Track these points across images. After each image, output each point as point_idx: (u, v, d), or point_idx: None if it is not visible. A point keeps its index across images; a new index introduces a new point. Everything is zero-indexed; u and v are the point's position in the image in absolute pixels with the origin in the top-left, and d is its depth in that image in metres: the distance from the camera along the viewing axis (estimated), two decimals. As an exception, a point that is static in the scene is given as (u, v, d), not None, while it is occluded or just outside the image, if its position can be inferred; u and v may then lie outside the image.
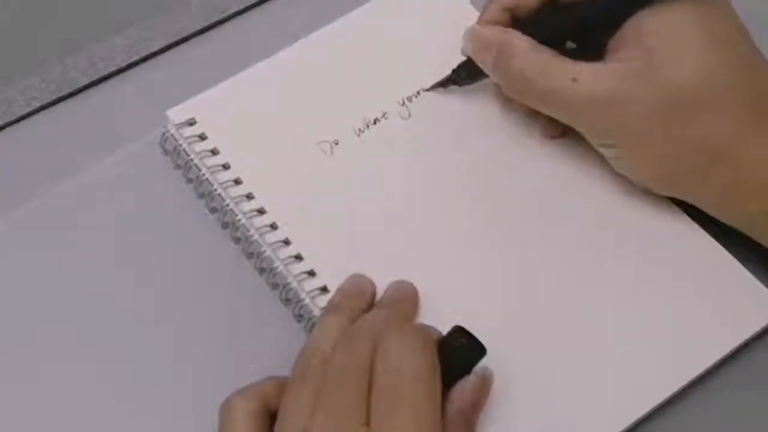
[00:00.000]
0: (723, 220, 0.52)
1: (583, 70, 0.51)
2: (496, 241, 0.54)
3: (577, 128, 0.53)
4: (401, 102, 0.58)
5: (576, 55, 0.53)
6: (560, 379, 0.50)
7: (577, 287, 0.53)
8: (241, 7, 0.63)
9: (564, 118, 0.53)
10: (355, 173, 0.56)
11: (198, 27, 0.62)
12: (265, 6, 0.63)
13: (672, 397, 0.51)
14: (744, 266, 0.53)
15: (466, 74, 0.57)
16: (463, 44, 0.56)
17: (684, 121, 0.50)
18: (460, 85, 0.58)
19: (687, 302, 0.52)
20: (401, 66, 0.59)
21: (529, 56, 0.52)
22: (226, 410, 0.47)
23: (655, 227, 0.54)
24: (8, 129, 0.59)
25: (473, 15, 0.60)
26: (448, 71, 0.58)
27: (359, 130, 0.57)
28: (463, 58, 0.57)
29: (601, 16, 0.52)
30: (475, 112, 0.58)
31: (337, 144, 0.57)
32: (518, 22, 0.55)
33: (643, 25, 0.51)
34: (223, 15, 0.63)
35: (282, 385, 0.48)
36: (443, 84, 0.58)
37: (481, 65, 0.55)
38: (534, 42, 0.53)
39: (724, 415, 0.51)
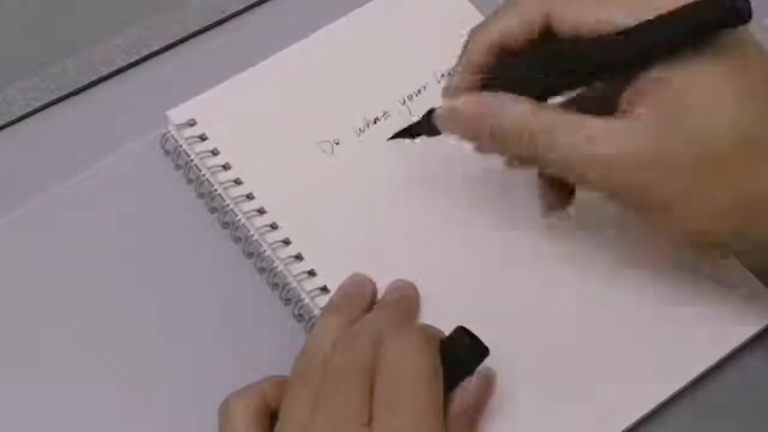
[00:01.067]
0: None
1: (599, 127, 0.46)
2: (497, 240, 0.54)
3: (598, 192, 0.47)
4: (402, 101, 0.58)
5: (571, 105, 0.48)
6: (562, 380, 0.50)
7: (578, 288, 0.53)
8: (241, 7, 0.63)
9: (582, 181, 0.48)
10: (356, 173, 0.56)
11: (198, 27, 0.62)
12: (265, 6, 0.63)
13: (672, 396, 0.51)
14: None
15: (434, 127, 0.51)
16: (439, 124, 0.50)
17: (722, 177, 0.45)
18: (429, 136, 0.52)
19: (687, 302, 0.52)
20: (401, 65, 0.59)
21: (532, 118, 0.47)
22: (225, 410, 0.47)
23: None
24: (8, 129, 0.59)
25: (473, 14, 0.61)
26: (448, 69, 0.58)
27: (359, 129, 0.57)
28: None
29: (610, 66, 0.46)
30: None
31: (337, 144, 0.57)
32: (506, 68, 0.49)
33: (665, 77, 0.45)
34: (223, 15, 0.63)
35: (282, 385, 0.48)
36: (410, 133, 0.53)
37: (473, 141, 0.50)
38: (532, 101, 0.47)
39: (724, 415, 0.51)
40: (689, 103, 0.45)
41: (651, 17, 0.45)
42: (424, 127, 0.51)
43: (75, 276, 0.54)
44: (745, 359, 0.52)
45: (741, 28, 0.44)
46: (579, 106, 0.48)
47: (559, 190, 0.51)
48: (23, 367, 0.52)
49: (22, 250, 0.55)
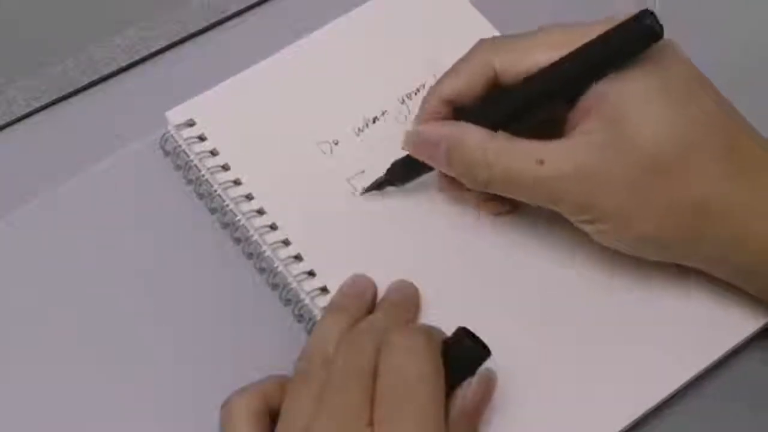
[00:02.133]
0: (717, 275, 0.51)
1: (548, 149, 0.49)
2: (497, 240, 0.54)
3: (553, 209, 0.50)
4: (401, 100, 0.58)
5: (525, 132, 0.50)
6: (562, 380, 0.51)
7: (578, 288, 0.53)
8: (241, 7, 0.63)
9: (536, 202, 0.50)
10: (355, 173, 0.56)
11: (198, 27, 0.62)
12: (265, 6, 0.63)
13: (671, 395, 0.51)
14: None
15: (402, 174, 0.54)
16: (403, 145, 0.53)
17: (664, 186, 0.48)
18: (396, 186, 0.55)
19: (687, 301, 0.52)
20: (401, 64, 0.59)
21: (486, 144, 0.50)
22: (227, 410, 0.47)
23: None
24: (8, 129, 0.59)
25: (473, 14, 0.61)
26: (447, 68, 0.58)
27: (359, 129, 0.57)
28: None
29: (550, 94, 0.50)
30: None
31: (336, 144, 0.57)
32: (462, 112, 0.52)
33: (602, 96, 0.48)
34: (223, 15, 0.63)
35: (283, 385, 0.48)
36: (378, 186, 0.55)
37: (431, 163, 0.52)
38: (485, 129, 0.50)
39: (723, 413, 0.52)
40: (625, 114, 0.48)
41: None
42: (391, 178, 0.55)
43: (75, 276, 0.54)
44: (743, 359, 0.53)
45: (666, 43, 0.48)
46: (530, 133, 0.50)
47: (495, 204, 0.54)
48: (23, 367, 0.52)
49: (22, 250, 0.55)
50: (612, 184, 0.48)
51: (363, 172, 0.56)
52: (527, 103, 0.50)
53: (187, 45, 0.62)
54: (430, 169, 0.53)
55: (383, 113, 0.58)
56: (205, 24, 0.62)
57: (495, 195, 0.52)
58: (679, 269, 0.52)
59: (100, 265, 0.54)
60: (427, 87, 0.58)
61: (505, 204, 0.54)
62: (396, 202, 0.55)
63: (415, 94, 0.58)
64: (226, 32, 0.63)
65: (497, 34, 0.57)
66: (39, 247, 0.55)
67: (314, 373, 0.47)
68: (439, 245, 0.54)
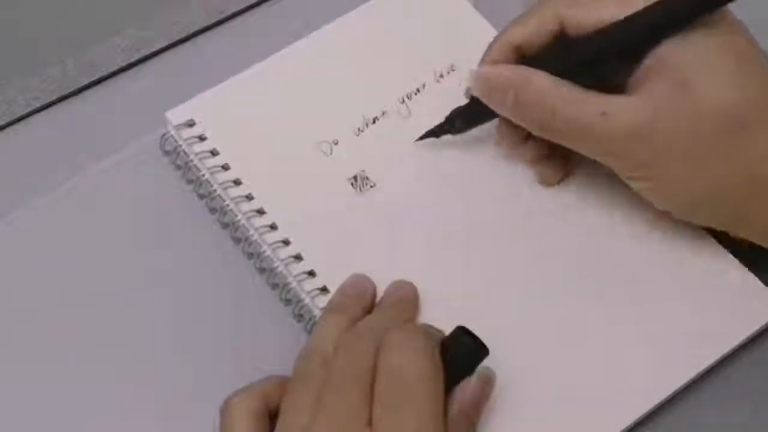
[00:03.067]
0: (766, 246, 0.51)
1: (613, 103, 0.49)
2: (497, 240, 0.54)
3: (608, 164, 0.51)
4: (401, 100, 0.58)
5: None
6: (562, 379, 0.50)
7: (578, 287, 0.53)
8: (241, 7, 0.63)
9: (594, 154, 0.50)
10: (354, 173, 0.56)
11: (198, 27, 0.62)
12: (265, 6, 0.63)
13: (672, 395, 0.51)
14: (742, 263, 0.53)
15: (461, 122, 0.55)
16: (470, 85, 0.53)
17: (725, 153, 0.48)
18: (453, 134, 0.55)
19: (687, 301, 0.52)
20: (401, 64, 0.59)
21: (554, 91, 0.50)
22: (226, 410, 0.47)
23: (654, 228, 0.54)
24: (8, 129, 0.59)
25: (472, 14, 0.61)
26: (446, 68, 0.58)
27: (359, 129, 0.57)
28: (455, 106, 0.55)
29: (618, 49, 0.50)
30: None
31: (336, 144, 0.57)
32: (526, 59, 0.52)
33: (668, 56, 0.49)
34: (223, 15, 0.63)
35: (282, 385, 0.48)
36: (436, 133, 0.55)
37: (495, 107, 0.52)
38: (555, 77, 0.50)
39: (723, 414, 0.52)
40: (691, 77, 0.48)
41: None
42: (449, 126, 0.55)
43: (75, 276, 0.54)
44: (744, 358, 0.52)
45: (724, 7, 0.49)
46: (594, 88, 0.50)
47: (554, 164, 0.54)
48: (23, 368, 0.52)
49: (23, 250, 0.55)
50: (673, 144, 0.48)
51: (363, 171, 0.56)
52: (594, 57, 0.51)
53: (187, 45, 0.62)
54: (491, 117, 0.53)
55: (383, 113, 0.58)
56: (204, 24, 0.62)
57: (549, 153, 0.53)
58: (682, 269, 0.52)
59: (100, 265, 0.54)
60: (427, 87, 0.58)
61: (557, 168, 0.54)
62: (396, 202, 0.55)
63: (415, 94, 0.58)
64: (226, 32, 0.63)
65: (497, 34, 0.57)
66: (39, 247, 0.55)
67: (314, 372, 0.47)
68: (440, 245, 0.54)
